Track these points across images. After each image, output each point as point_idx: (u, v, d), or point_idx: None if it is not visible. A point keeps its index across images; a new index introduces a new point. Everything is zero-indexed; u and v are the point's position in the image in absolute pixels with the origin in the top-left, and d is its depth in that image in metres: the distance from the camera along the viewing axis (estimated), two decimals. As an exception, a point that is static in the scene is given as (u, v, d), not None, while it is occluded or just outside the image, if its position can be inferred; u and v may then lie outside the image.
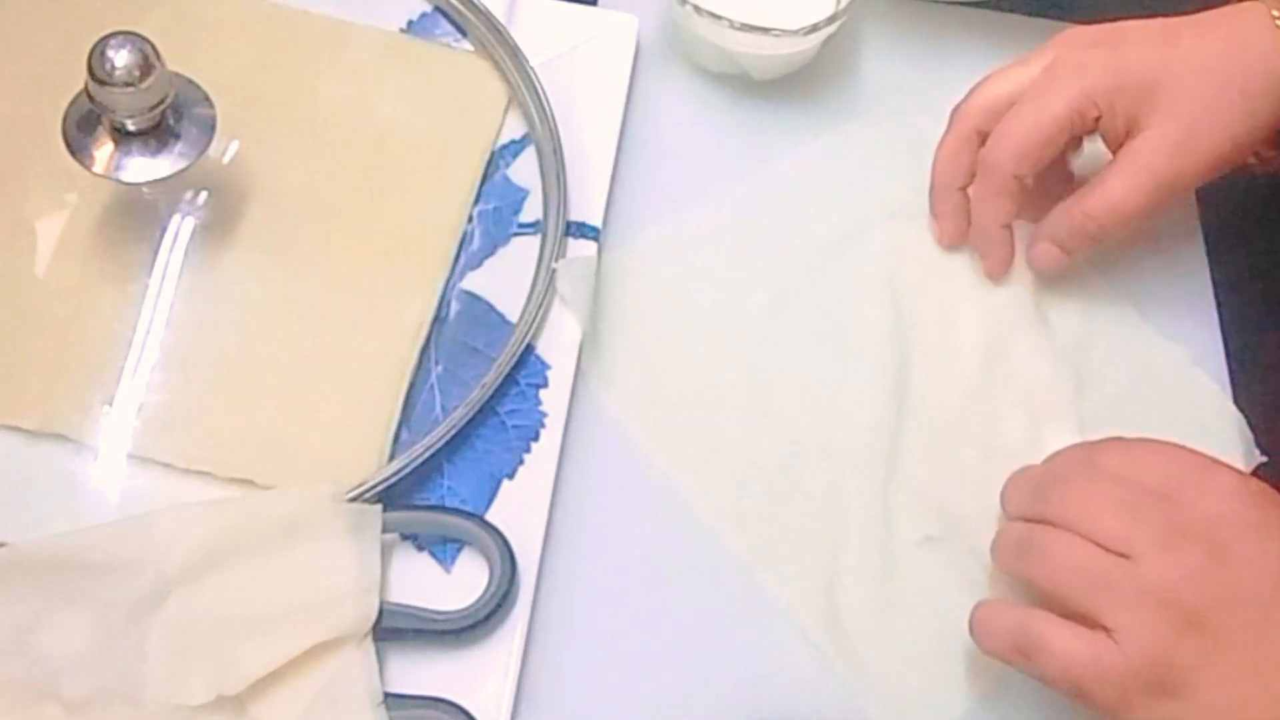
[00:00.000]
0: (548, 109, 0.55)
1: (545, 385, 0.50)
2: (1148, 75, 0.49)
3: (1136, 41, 0.51)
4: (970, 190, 0.54)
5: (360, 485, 0.46)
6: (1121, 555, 0.40)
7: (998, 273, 0.55)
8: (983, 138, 0.53)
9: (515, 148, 0.56)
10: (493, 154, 0.55)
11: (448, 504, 0.47)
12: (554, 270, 0.51)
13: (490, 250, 0.53)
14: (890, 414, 0.52)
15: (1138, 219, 0.51)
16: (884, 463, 0.50)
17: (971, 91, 0.54)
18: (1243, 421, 0.53)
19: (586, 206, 0.54)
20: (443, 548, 0.47)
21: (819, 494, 0.50)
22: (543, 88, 0.55)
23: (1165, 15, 0.52)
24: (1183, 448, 0.43)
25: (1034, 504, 0.44)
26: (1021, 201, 0.53)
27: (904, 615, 0.48)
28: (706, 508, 0.49)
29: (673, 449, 0.50)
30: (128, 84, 0.46)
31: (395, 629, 0.44)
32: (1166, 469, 0.42)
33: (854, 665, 0.47)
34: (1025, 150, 0.51)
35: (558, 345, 0.51)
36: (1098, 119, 0.51)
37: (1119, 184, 0.51)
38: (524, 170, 0.55)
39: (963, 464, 0.51)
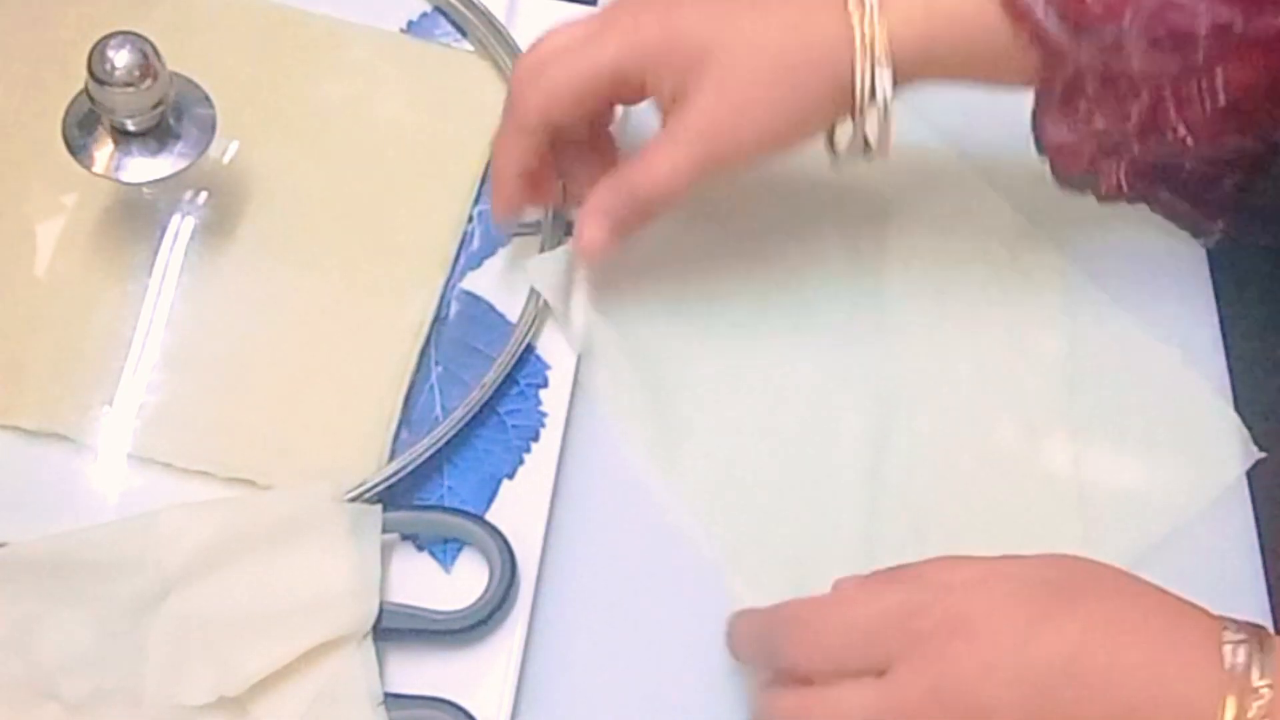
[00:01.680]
0: (548, 109, 0.55)
1: (545, 385, 0.50)
2: (699, 45, 0.46)
3: (693, 9, 0.47)
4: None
5: (360, 485, 0.46)
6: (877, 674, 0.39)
7: (499, 216, 0.51)
8: None
9: (515, 148, 0.56)
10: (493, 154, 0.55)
11: (448, 504, 0.47)
12: (527, 269, 0.51)
13: (490, 250, 0.53)
14: (881, 420, 0.51)
15: (686, 193, 0.48)
16: (873, 471, 0.50)
17: (533, 44, 0.49)
18: (1239, 421, 0.53)
19: (586, 206, 0.54)
20: (443, 548, 0.47)
21: (807, 501, 0.50)
22: (543, 88, 0.55)
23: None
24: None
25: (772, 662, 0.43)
26: (544, 156, 0.50)
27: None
28: (689, 513, 0.49)
29: (657, 452, 0.50)
30: (128, 84, 0.46)
31: (395, 629, 0.44)
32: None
33: None
34: (558, 94, 0.47)
35: (558, 345, 0.51)
36: (643, 85, 0.48)
37: (665, 159, 0.47)
38: (524, 170, 0.55)
39: (954, 472, 0.51)
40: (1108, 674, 0.38)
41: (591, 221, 0.49)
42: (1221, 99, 0.47)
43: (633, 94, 0.48)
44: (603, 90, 0.48)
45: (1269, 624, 0.49)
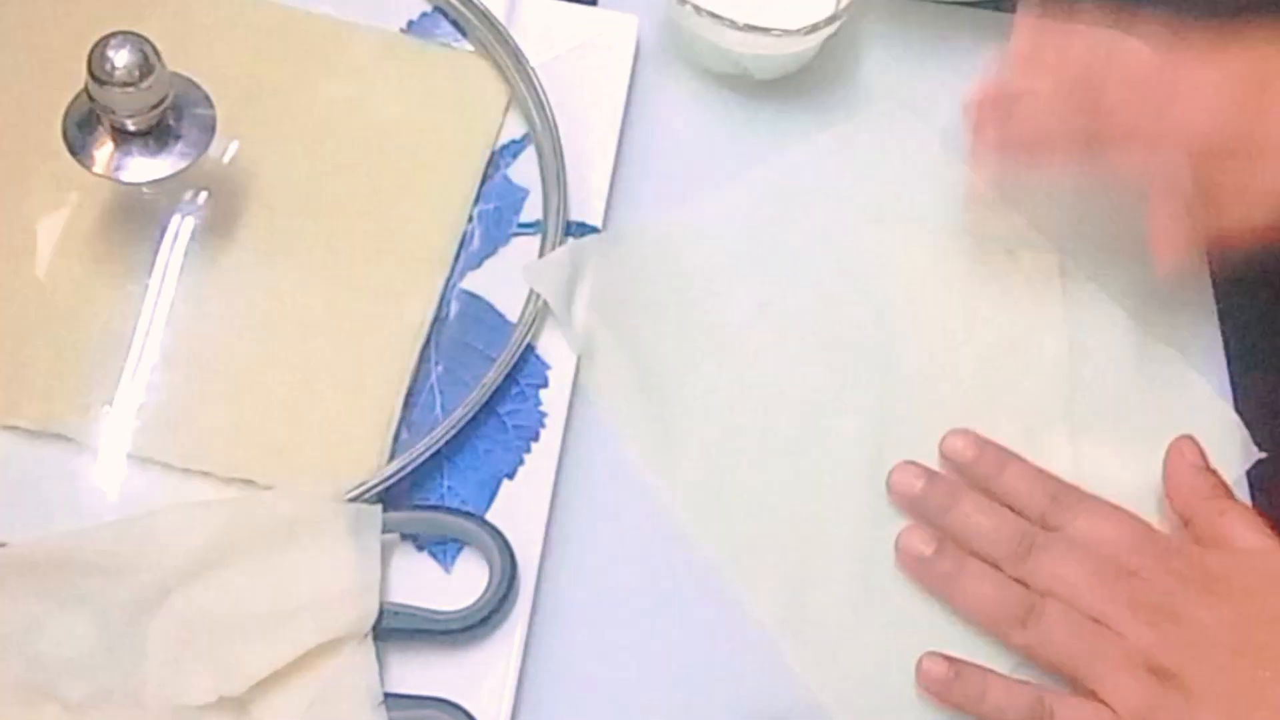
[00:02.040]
0: (548, 109, 0.55)
1: (545, 385, 0.50)
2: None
3: None
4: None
5: (360, 485, 0.46)
6: (1096, 622, 0.45)
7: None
8: None
9: (515, 148, 0.56)
10: (493, 154, 0.55)
11: (448, 504, 0.47)
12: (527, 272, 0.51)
13: (490, 250, 0.53)
14: (880, 421, 0.51)
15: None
16: (873, 471, 0.50)
17: None
18: (1238, 421, 0.53)
19: (586, 206, 0.54)
20: (443, 548, 0.47)
21: (807, 502, 0.50)
22: (543, 88, 0.55)
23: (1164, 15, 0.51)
24: (1136, 519, 0.48)
25: (1014, 566, 0.47)
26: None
27: (881, 628, 0.47)
28: (688, 513, 0.49)
29: (656, 452, 0.50)
30: (128, 84, 0.46)
31: (395, 629, 0.44)
32: (1126, 542, 0.47)
33: (823, 678, 0.47)
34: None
35: (558, 345, 0.51)
36: None
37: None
38: (524, 170, 0.55)
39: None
40: None
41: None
42: None
43: None
44: None
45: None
